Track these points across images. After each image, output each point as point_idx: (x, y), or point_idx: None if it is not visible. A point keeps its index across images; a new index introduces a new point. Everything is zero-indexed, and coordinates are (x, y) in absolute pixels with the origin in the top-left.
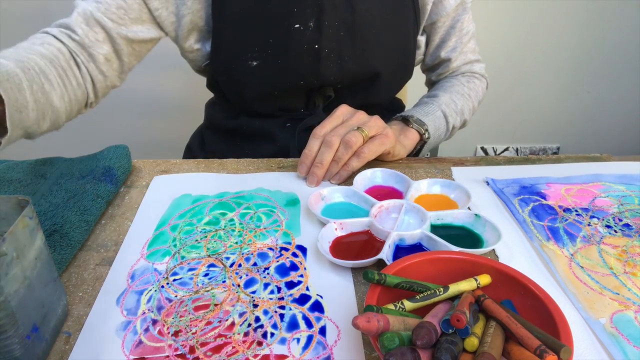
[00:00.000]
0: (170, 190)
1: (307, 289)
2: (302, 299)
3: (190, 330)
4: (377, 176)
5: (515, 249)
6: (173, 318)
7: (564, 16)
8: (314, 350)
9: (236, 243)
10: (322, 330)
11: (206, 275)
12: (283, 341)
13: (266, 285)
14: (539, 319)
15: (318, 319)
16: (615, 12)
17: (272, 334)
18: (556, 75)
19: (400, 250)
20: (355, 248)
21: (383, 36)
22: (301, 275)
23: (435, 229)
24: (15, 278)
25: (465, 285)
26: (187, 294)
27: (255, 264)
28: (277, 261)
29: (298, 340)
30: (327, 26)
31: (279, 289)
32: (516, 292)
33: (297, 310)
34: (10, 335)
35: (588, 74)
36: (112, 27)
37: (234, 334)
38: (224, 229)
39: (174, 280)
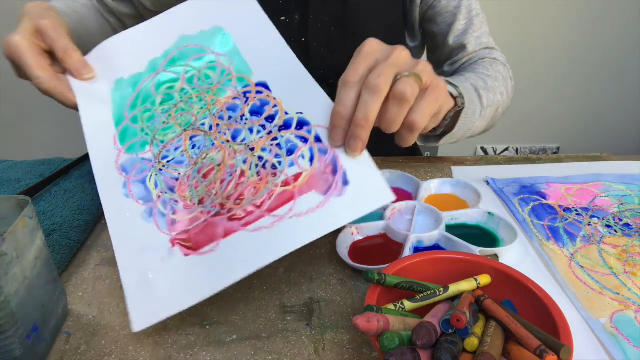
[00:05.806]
0: (97, 79)
1: (286, 113)
2: (287, 124)
3: (212, 193)
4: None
5: (515, 248)
6: (189, 191)
7: (563, 16)
8: (320, 158)
9: (201, 108)
10: (317, 138)
11: (194, 147)
12: (291, 163)
13: (251, 129)
14: (539, 319)
15: (309, 131)
16: (615, 12)
17: (280, 162)
18: (556, 76)
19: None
20: (373, 252)
21: (375, 31)
22: (275, 106)
23: (450, 229)
24: (15, 278)
25: (465, 285)
26: (189, 168)
27: (230, 117)
28: (248, 105)
29: (302, 156)
30: (314, 20)
31: (263, 127)
32: (516, 292)
33: (288, 134)
34: (10, 335)
35: (588, 74)
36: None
37: (248, 178)
38: (182, 101)
39: (168, 161)
